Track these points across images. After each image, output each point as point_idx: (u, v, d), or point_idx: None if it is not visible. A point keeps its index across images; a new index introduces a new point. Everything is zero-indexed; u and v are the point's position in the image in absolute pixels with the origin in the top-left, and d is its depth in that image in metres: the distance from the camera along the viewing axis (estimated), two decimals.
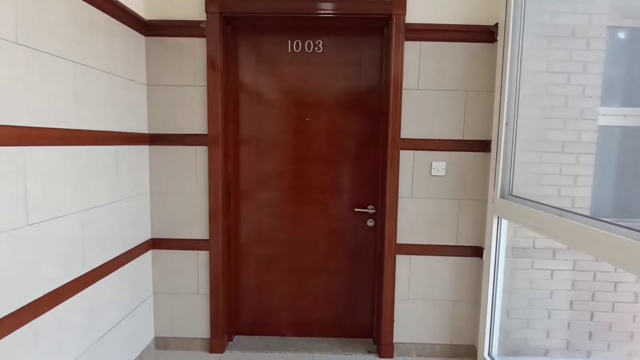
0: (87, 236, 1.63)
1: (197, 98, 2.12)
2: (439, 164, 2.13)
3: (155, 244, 2.23)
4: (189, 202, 2.19)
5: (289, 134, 2.31)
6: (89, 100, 1.62)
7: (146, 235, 2.18)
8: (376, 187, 2.33)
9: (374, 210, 2.33)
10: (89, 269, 1.66)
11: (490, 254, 2.06)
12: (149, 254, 2.22)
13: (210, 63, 2.09)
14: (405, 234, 2.19)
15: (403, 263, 2.22)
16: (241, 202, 2.37)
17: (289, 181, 2.35)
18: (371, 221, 2.35)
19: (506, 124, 1.94)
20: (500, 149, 1.97)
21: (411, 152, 2.14)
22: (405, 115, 2.11)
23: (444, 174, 2.14)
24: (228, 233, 2.32)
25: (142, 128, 2.10)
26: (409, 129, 2.12)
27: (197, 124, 2.14)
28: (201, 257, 2.23)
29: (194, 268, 2.24)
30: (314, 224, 2.37)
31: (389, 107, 2.10)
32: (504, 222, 2.04)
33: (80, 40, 1.56)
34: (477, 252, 2.19)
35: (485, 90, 2.10)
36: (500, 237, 2.06)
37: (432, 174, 2.14)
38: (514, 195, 1.96)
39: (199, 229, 2.21)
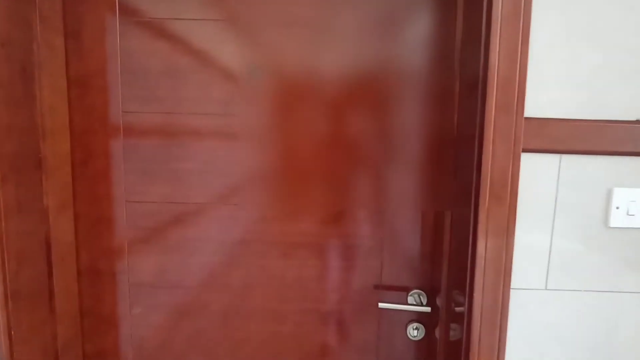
0: None
1: None
2: (633, 194, 0.73)
3: None
4: None
5: (237, 112, 0.90)
6: None
7: None
8: (435, 246, 0.93)
9: (427, 309, 0.92)
10: None
11: None
12: None
13: None
14: None
15: None
16: (91, 284, 0.96)
17: (218, 227, 0.94)
18: (417, 329, 0.95)
19: None
20: None
21: (553, 157, 0.73)
22: (537, 50, 0.70)
23: None
24: None
25: None
26: (547, 93, 0.71)
27: None
28: None
29: None
30: (282, 335, 0.96)
31: (492, 24, 0.69)
32: None
33: None
34: None
35: None
36: None
37: (612, 223, 0.73)
38: None
39: None
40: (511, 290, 0.75)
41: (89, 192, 0.93)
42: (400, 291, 0.96)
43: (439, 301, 0.93)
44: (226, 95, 0.90)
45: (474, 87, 0.76)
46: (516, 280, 0.75)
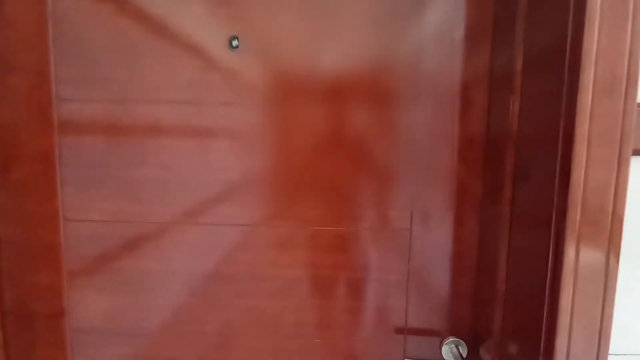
0: None
1: None
2: None
3: None
4: None
5: (213, 99, 0.67)
6: None
7: None
8: (479, 283, 0.69)
9: None
10: None
11: None
12: None
13: None
14: None
15: None
16: (20, 331, 0.72)
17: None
18: None
19: None
20: None
21: None
22: None
23: None
24: None
25: None
26: None
27: None
28: None
29: None
30: None
31: None
32: None
33: None
34: None
35: None
36: None
37: None
38: None
39: None
40: (609, 356, 0.51)
41: (13, 208, 0.69)
42: (431, 337, 0.73)
43: (484, 355, 0.70)
44: (199, 77, 0.66)
45: (552, 60, 0.52)
46: (616, 342, 0.51)
